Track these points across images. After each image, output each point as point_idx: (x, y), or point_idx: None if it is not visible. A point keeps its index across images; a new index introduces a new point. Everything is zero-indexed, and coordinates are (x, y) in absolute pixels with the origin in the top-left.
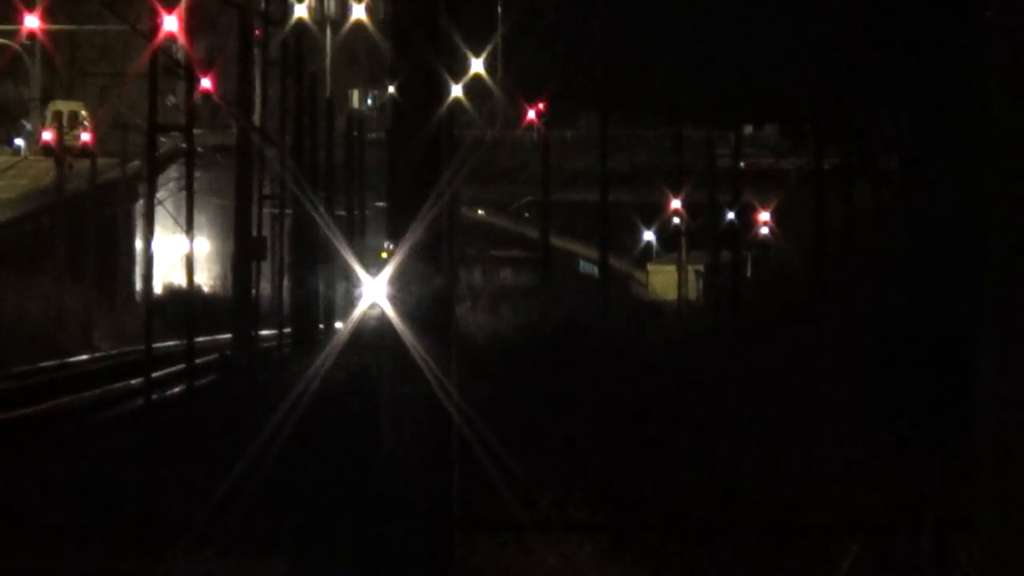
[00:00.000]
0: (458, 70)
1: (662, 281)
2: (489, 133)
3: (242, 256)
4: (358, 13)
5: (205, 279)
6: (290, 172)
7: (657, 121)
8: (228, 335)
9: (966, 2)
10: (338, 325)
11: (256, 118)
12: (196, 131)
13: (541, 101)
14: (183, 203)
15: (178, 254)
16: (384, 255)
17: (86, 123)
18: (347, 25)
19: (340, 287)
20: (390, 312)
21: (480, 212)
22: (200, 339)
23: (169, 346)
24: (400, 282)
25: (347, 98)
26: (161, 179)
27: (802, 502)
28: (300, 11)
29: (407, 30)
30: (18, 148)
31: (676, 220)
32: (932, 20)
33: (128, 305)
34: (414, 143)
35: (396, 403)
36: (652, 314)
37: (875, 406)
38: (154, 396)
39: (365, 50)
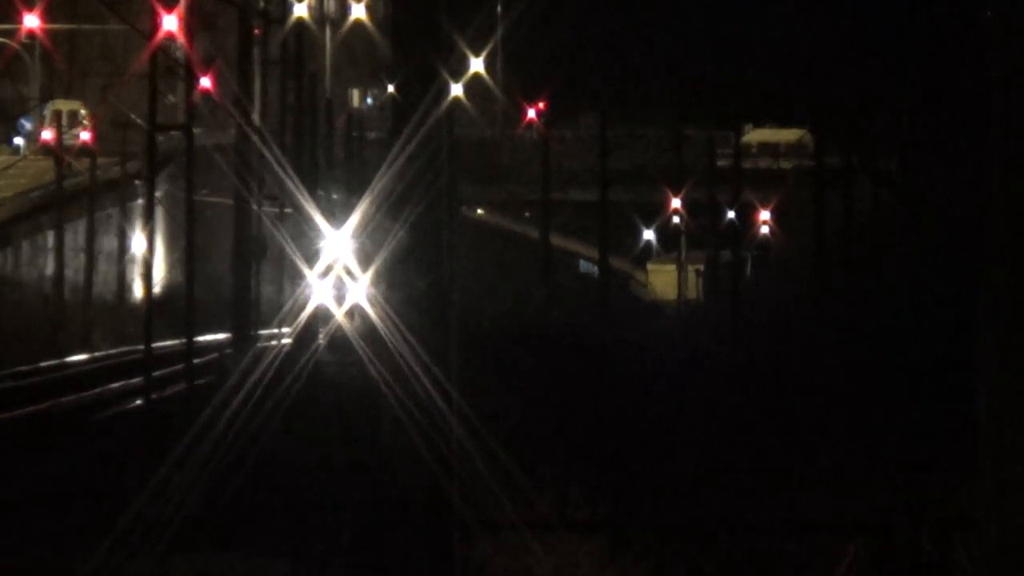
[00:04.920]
0: (458, 70)
1: (662, 281)
2: (489, 132)
3: (242, 256)
4: (358, 12)
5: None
6: (290, 171)
7: (657, 121)
8: (227, 335)
9: (966, 2)
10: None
11: (256, 117)
12: (195, 130)
13: (541, 101)
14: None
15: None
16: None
17: (86, 122)
18: (347, 24)
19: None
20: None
21: (480, 211)
22: (199, 339)
23: (168, 346)
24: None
25: (347, 97)
26: (161, 178)
27: (802, 502)
28: (300, 10)
29: (407, 30)
30: (17, 147)
31: (676, 220)
32: (932, 19)
33: (128, 305)
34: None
35: (395, 401)
36: (651, 313)
37: (875, 405)
38: (153, 396)
39: (365, 50)
